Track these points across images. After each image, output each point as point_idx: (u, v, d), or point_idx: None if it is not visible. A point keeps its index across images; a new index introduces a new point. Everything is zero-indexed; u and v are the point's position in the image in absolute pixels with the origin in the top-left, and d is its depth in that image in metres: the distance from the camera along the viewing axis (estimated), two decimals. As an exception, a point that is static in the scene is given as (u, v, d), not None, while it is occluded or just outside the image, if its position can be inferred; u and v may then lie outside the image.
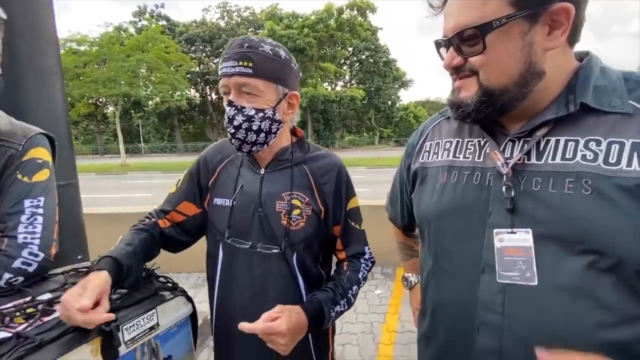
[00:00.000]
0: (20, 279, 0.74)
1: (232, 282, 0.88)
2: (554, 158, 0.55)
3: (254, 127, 0.78)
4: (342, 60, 31.54)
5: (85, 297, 0.61)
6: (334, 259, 0.98)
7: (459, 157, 0.65)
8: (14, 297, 0.70)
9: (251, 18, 34.85)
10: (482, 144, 0.63)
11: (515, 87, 0.55)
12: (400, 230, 0.97)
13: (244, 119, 0.78)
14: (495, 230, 0.57)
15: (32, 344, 0.58)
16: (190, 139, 36.26)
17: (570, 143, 0.54)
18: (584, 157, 0.52)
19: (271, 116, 0.80)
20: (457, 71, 0.59)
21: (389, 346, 2.25)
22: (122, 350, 0.68)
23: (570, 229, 0.51)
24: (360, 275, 0.91)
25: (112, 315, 0.64)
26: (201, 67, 32.00)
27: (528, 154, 0.57)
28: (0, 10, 0.73)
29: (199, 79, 32.04)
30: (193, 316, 0.88)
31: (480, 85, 0.56)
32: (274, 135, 0.83)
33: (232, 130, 0.79)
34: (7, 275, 0.72)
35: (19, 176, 0.78)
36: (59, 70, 1.49)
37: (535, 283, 0.53)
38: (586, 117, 0.54)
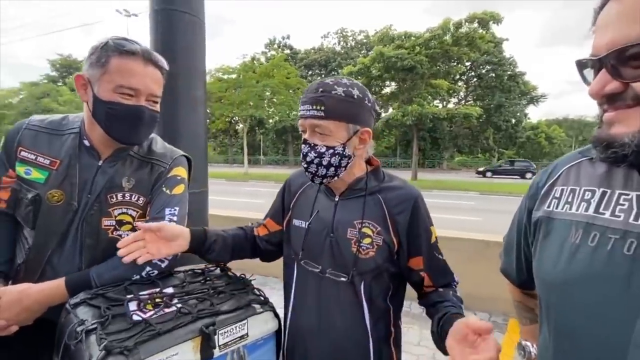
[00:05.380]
0: (155, 272, 0.92)
1: (303, 304, 0.91)
2: None
3: (324, 162, 0.83)
4: (457, 76, 29.48)
5: None
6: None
7: (603, 214, 0.50)
8: (148, 287, 0.88)
9: (364, 41, 36.42)
10: None
11: None
12: (516, 287, 0.79)
13: (316, 155, 0.83)
14: None
15: (153, 331, 0.71)
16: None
17: None
18: None
19: (341, 152, 0.83)
20: (611, 100, 0.46)
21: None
22: (216, 352, 0.77)
23: None
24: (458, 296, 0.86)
25: None
26: (315, 89, 35.00)
27: None
28: (164, 63, 0.96)
29: (312, 100, 35.11)
30: (278, 332, 0.93)
31: None
32: (343, 169, 0.86)
33: (305, 165, 0.86)
34: (147, 268, 0.91)
35: (164, 189, 0.99)
36: (204, 99, 1.85)
37: None
38: None
